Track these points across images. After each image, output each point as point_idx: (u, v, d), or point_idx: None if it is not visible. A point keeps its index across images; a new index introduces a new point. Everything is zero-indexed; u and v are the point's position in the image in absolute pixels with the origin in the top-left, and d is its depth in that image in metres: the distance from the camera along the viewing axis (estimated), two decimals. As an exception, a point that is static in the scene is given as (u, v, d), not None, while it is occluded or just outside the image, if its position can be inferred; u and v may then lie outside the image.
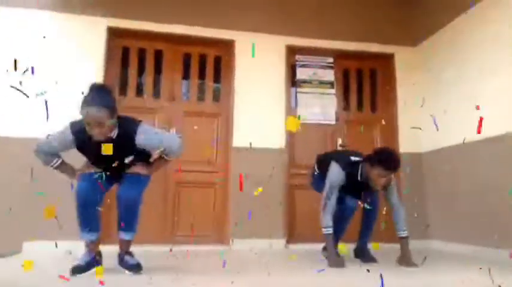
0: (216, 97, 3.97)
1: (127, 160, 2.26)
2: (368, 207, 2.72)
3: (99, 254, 2.36)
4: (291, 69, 4.09)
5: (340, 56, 4.17)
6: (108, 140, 2.09)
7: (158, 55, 3.87)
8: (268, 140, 3.76)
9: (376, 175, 2.51)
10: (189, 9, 3.79)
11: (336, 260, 2.57)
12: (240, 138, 3.70)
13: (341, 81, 4.20)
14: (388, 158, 2.52)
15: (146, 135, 2.20)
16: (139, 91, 3.81)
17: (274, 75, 3.89)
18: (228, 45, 3.91)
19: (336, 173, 2.64)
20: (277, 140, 3.79)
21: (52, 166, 2.33)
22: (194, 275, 2.33)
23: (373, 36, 4.10)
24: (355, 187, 2.68)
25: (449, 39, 3.74)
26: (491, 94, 3.23)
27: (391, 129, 4.12)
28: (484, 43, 3.32)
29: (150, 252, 3.09)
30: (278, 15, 3.95)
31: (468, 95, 3.48)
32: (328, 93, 4.09)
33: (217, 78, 3.98)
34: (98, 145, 2.04)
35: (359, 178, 2.64)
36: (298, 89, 4.07)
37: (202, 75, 3.93)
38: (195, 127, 3.80)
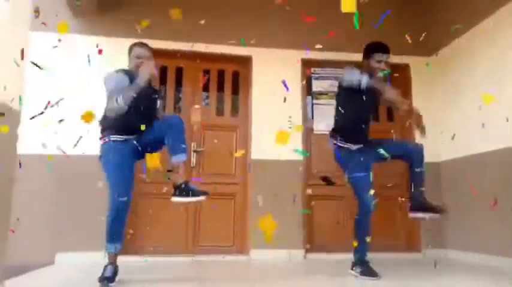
0: (235, 111, 4.10)
1: (159, 103, 2.66)
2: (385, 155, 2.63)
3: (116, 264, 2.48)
4: (307, 81, 4.18)
5: (355, 66, 4.23)
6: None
7: (179, 72, 4.04)
8: (285, 153, 3.84)
9: (375, 62, 2.79)
10: (207, 28, 3.92)
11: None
12: (258, 151, 3.81)
13: (357, 92, 4.26)
14: (376, 44, 2.87)
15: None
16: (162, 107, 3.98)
17: (290, 89, 3.98)
18: (245, 61, 4.04)
19: (352, 71, 2.74)
20: (294, 153, 3.87)
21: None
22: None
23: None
24: (362, 103, 2.68)
25: (465, 49, 3.75)
26: (508, 104, 3.22)
27: (408, 139, 4.15)
28: (501, 53, 3.33)
29: (173, 262, 3.23)
30: (293, 30, 4.05)
31: (485, 105, 3.47)
32: (344, 105, 4.15)
33: (235, 93, 4.11)
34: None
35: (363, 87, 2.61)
36: (315, 101, 4.16)
37: (220, 90, 4.08)
38: (215, 141, 3.95)
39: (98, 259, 3.26)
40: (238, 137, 4.00)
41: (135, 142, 2.49)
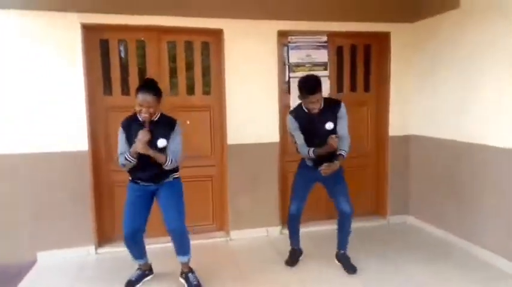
0: (207, 90, 3.81)
1: (159, 143, 2.56)
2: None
3: (149, 268, 2.98)
4: (284, 52, 3.88)
5: (334, 34, 3.94)
6: (152, 121, 2.56)
7: (141, 47, 3.58)
8: (262, 132, 3.76)
9: (306, 103, 2.85)
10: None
11: None
12: (234, 135, 3.69)
13: (334, 60, 4.05)
14: (305, 85, 2.82)
15: (179, 131, 2.68)
16: (124, 89, 3.62)
17: (266, 63, 3.70)
18: (215, 35, 3.62)
19: (287, 120, 3.03)
20: (271, 131, 3.79)
21: (131, 161, 2.58)
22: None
23: (369, 15, 3.81)
24: (310, 121, 2.90)
25: (449, 26, 3.53)
26: (485, 97, 3.19)
27: (384, 110, 4.14)
28: (485, 38, 3.18)
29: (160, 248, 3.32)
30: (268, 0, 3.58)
31: (463, 79, 3.41)
32: (321, 76, 3.95)
33: (206, 70, 3.77)
34: (142, 127, 2.54)
35: (305, 110, 2.91)
36: (291, 74, 3.92)
37: (190, 67, 3.72)
38: (187, 122, 3.74)
39: (79, 256, 3.36)
40: (213, 118, 3.81)
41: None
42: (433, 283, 2.83)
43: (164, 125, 2.61)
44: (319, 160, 2.92)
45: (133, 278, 2.86)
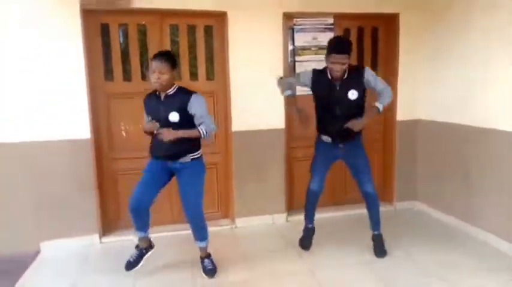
0: (210, 75, 3.71)
1: (171, 117, 2.52)
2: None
3: (149, 245, 2.88)
4: (289, 35, 3.76)
5: (340, 16, 3.81)
6: (167, 95, 2.58)
7: (142, 31, 3.47)
8: (267, 118, 3.68)
9: (331, 63, 2.66)
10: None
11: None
12: (239, 121, 3.60)
13: (341, 43, 3.92)
14: (334, 42, 2.70)
15: (198, 101, 2.56)
16: (126, 74, 3.52)
17: (271, 47, 3.59)
18: (219, 18, 3.50)
19: (305, 71, 2.99)
20: (276, 117, 3.70)
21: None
22: None
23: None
24: (330, 89, 2.78)
25: (460, 2, 3.41)
26: (496, 84, 3.09)
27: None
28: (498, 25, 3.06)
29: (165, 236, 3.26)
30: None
31: (472, 62, 3.31)
32: (327, 60, 3.85)
33: (210, 54, 3.66)
34: (158, 99, 2.59)
35: (329, 76, 2.78)
36: (297, 58, 3.81)
37: (193, 52, 3.61)
38: (191, 108, 3.65)
39: (83, 245, 3.31)
40: (217, 104, 3.71)
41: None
42: (442, 271, 2.79)
43: (178, 99, 2.56)
44: (336, 136, 2.85)
45: (132, 259, 2.82)
